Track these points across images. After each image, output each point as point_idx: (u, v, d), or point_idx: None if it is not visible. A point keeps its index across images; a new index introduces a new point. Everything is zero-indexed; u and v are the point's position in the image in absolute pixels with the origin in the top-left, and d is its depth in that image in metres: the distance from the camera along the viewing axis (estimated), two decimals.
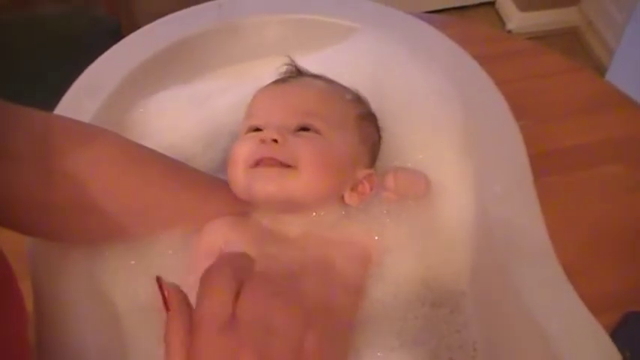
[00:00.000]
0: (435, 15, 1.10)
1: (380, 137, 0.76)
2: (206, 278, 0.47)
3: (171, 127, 0.80)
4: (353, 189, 0.70)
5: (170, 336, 0.46)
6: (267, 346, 0.45)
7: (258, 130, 0.69)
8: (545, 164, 0.73)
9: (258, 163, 0.66)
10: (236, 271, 0.48)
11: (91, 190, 0.62)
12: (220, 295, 0.46)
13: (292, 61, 0.77)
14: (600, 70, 2.15)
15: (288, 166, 0.65)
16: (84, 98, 0.78)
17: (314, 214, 0.70)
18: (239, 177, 0.67)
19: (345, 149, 0.69)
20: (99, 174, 0.63)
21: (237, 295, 0.46)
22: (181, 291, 0.48)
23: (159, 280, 0.48)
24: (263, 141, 0.66)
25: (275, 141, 0.65)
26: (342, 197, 0.70)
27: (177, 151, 0.75)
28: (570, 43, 2.40)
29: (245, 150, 0.67)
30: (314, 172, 0.66)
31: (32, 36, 1.50)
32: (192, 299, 0.48)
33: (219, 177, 0.72)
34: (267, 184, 0.65)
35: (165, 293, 0.48)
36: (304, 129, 0.68)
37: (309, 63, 0.78)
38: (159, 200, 0.67)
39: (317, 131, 0.68)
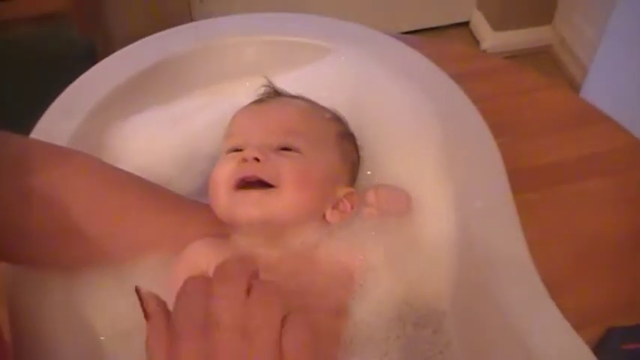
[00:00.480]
0: (410, 35, 1.11)
1: (359, 157, 0.76)
2: (180, 287, 0.48)
3: (148, 149, 0.79)
4: (334, 207, 0.70)
5: (151, 342, 0.46)
6: (244, 348, 0.45)
7: (238, 150, 0.68)
8: (525, 180, 0.73)
9: (240, 183, 0.65)
10: (207, 276, 0.48)
11: (68, 215, 0.61)
12: (193, 297, 0.46)
13: (269, 82, 0.77)
14: (574, 87, 2.18)
15: (270, 186, 0.64)
16: (61, 120, 0.77)
17: (296, 234, 0.69)
18: (221, 199, 0.66)
19: (326, 168, 0.69)
20: (77, 198, 0.62)
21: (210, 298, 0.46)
22: (159, 299, 0.48)
23: (137, 289, 0.48)
24: (245, 160, 0.65)
25: (257, 159, 0.65)
26: (324, 216, 0.69)
27: (154, 173, 0.74)
28: (544, 62, 2.43)
29: (226, 170, 0.66)
30: (296, 191, 0.65)
31: (5, 57, 1.49)
32: None
33: (197, 200, 0.72)
34: (249, 208, 0.65)
35: (144, 302, 0.48)
36: (285, 148, 0.67)
37: (286, 83, 0.78)
38: (138, 224, 0.66)
39: (298, 150, 0.67)
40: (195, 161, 0.79)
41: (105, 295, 0.67)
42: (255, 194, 0.64)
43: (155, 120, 0.82)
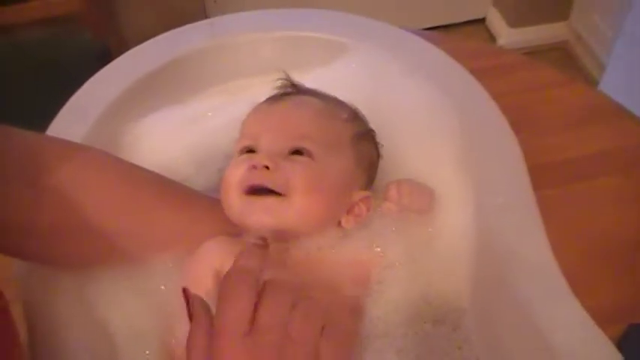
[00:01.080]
0: (427, 31, 1.10)
1: (378, 154, 0.75)
2: (225, 283, 0.50)
3: (165, 147, 0.79)
4: (349, 212, 0.69)
5: (192, 342, 0.49)
6: (286, 352, 0.48)
7: (251, 151, 0.67)
8: (542, 177, 0.72)
9: (249, 190, 0.64)
10: (254, 277, 0.50)
11: (81, 212, 0.61)
12: (240, 301, 0.49)
13: (287, 76, 0.76)
14: (591, 83, 2.16)
15: (280, 194, 0.63)
16: (74, 121, 0.77)
17: (311, 239, 0.68)
18: (233, 203, 0.65)
19: (339, 173, 0.67)
20: (90, 195, 0.62)
21: (256, 302, 0.49)
22: (204, 301, 0.51)
23: (185, 290, 0.52)
24: (255, 167, 0.64)
25: (267, 167, 0.64)
26: (339, 222, 0.68)
27: (170, 172, 0.73)
28: (560, 58, 2.41)
29: (237, 175, 0.65)
30: (307, 201, 0.64)
31: (18, 62, 1.49)
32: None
33: (213, 196, 0.70)
34: (260, 215, 0.64)
35: (190, 303, 0.51)
36: (298, 152, 0.66)
37: (303, 79, 0.78)
38: (151, 221, 0.66)
39: (310, 155, 0.66)
40: (212, 159, 0.79)
41: (118, 294, 0.67)
42: (266, 201, 0.64)
43: (170, 118, 0.82)
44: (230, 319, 0.48)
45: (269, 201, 0.63)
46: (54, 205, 0.60)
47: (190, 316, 0.51)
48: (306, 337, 0.49)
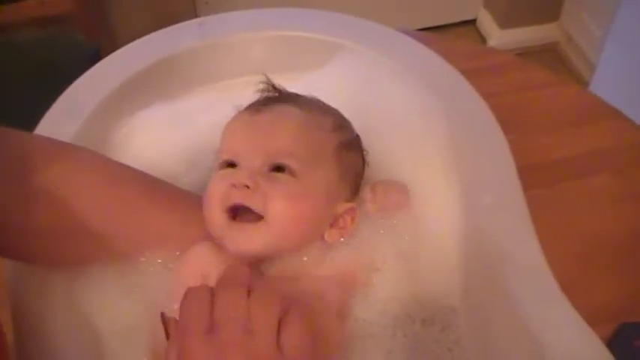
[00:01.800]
0: (418, 32, 1.10)
1: (364, 162, 0.73)
2: (183, 297, 0.51)
3: (154, 146, 0.79)
4: (332, 225, 0.67)
5: (169, 352, 0.50)
6: (248, 346, 0.48)
7: (231, 164, 0.66)
8: (533, 177, 0.72)
9: (232, 210, 0.63)
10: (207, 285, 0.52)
11: (71, 212, 0.61)
12: (195, 302, 0.50)
13: (269, 79, 0.74)
14: (581, 84, 2.16)
15: (260, 216, 0.62)
16: (63, 119, 0.77)
17: (295, 255, 0.67)
18: (214, 221, 0.64)
19: (322, 188, 0.66)
20: (79, 195, 0.61)
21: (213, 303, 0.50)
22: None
23: (162, 315, 0.53)
24: (234, 185, 0.63)
25: (247, 186, 0.63)
26: (322, 236, 0.67)
27: (160, 170, 0.73)
28: (551, 59, 2.42)
29: (218, 193, 0.64)
30: (286, 223, 0.63)
31: (8, 61, 1.48)
32: None
33: (202, 196, 0.69)
34: (239, 243, 0.63)
35: (167, 325, 0.52)
36: (279, 168, 0.64)
37: (294, 80, 0.77)
38: (141, 221, 0.65)
39: (292, 172, 0.64)
40: (201, 157, 0.78)
41: (106, 293, 0.66)
42: (245, 228, 0.63)
43: (160, 117, 0.82)
44: (190, 317, 0.49)
45: (248, 227, 0.63)
46: (44, 206, 0.60)
47: (167, 336, 0.52)
48: (265, 325, 0.49)
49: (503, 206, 0.66)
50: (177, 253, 0.67)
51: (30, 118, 0.77)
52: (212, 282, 0.54)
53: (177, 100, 0.85)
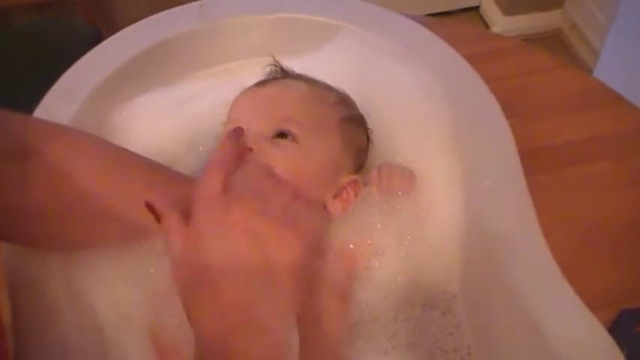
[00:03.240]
0: (420, 16, 1.09)
1: (368, 140, 0.74)
2: (206, 166, 0.56)
3: (153, 130, 0.78)
4: (336, 196, 0.67)
5: (168, 227, 0.54)
6: (257, 206, 0.53)
7: None
8: (534, 162, 0.72)
9: None
10: (230, 161, 0.56)
11: (69, 194, 0.60)
12: (215, 173, 0.54)
13: (276, 61, 0.75)
14: (585, 71, 2.15)
15: None
16: (61, 103, 0.76)
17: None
18: None
19: (324, 156, 0.67)
20: (77, 177, 0.61)
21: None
22: (166, 198, 0.56)
23: (147, 202, 0.56)
24: None
25: (250, 149, 0.63)
26: (325, 206, 0.67)
27: (159, 154, 0.73)
28: (555, 46, 2.40)
29: None
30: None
31: (8, 46, 1.48)
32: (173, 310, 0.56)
33: None
34: None
35: (155, 207, 0.55)
36: (282, 135, 0.65)
37: (294, 63, 0.77)
38: (139, 205, 0.65)
39: (294, 138, 0.65)
40: (201, 141, 0.78)
41: (105, 277, 0.66)
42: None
43: (159, 100, 0.81)
44: (206, 184, 0.54)
45: None
46: (42, 187, 0.59)
47: (158, 218, 0.55)
48: (277, 199, 0.54)
49: (504, 189, 0.66)
50: None
51: (30, 102, 0.76)
52: None
53: (176, 83, 0.85)
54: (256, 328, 0.51)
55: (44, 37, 1.53)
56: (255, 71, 0.75)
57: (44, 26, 1.64)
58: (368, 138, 0.74)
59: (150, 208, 0.55)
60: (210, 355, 0.51)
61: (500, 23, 2.45)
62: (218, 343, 0.51)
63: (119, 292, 0.66)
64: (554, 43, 2.42)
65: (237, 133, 0.60)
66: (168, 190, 0.66)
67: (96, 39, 1.41)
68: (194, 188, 0.54)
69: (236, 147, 0.59)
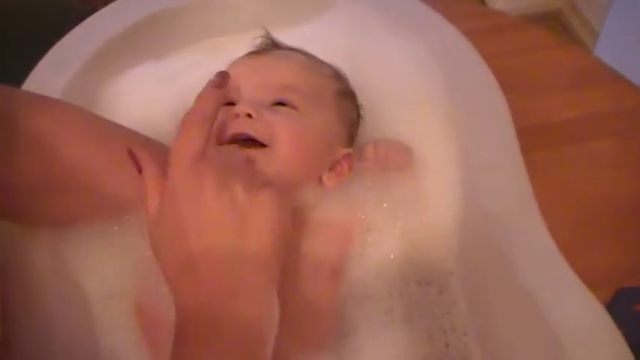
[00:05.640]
0: None
1: (359, 116, 0.73)
2: (185, 120, 0.54)
3: (144, 104, 0.77)
4: (331, 169, 0.66)
5: (146, 185, 0.54)
6: (228, 177, 0.52)
7: (230, 104, 0.64)
8: (532, 139, 0.70)
9: (231, 140, 0.62)
10: (209, 118, 0.54)
11: (57, 168, 0.59)
12: (191, 134, 0.52)
13: (268, 33, 0.74)
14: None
15: (263, 145, 0.61)
16: (51, 75, 0.75)
17: (291, 195, 0.65)
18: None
19: (323, 126, 0.66)
20: (66, 151, 0.59)
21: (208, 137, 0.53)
22: (148, 152, 0.56)
23: (129, 150, 0.56)
24: (237, 115, 0.62)
25: (249, 116, 0.62)
26: (320, 179, 0.66)
27: (149, 128, 0.71)
28: (554, 27, 2.39)
29: (217, 125, 0.62)
30: (290, 151, 0.62)
31: (3, 24, 1.46)
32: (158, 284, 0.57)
33: None
34: None
35: (136, 158, 0.56)
36: (280, 104, 0.64)
37: (286, 37, 0.75)
38: (127, 178, 0.63)
39: (294, 106, 0.64)
40: None
41: (93, 253, 0.65)
42: (250, 152, 0.61)
43: (149, 75, 0.80)
44: (181, 147, 0.52)
45: (252, 152, 0.61)
46: (29, 161, 0.58)
47: (139, 169, 0.55)
48: (247, 172, 0.54)
49: (502, 165, 0.65)
50: None
51: (21, 81, 0.75)
52: None
53: (166, 57, 0.84)
54: (236, 294, 0.50)
55: (37, 15, 1.51)
56: (246, 45, 0.74)
57: (37, 3, 1.62)
58: (359, 113, 0.73)
59: (132, 156, 0.55)
60: (188, 323, 0.50)
61: (500, 3, 2.42)
62: (197, 310, 0.50)
63: (106, 267, 0.65)
64: (554, 23, 2.41)
65: (223, 80, 0.57)
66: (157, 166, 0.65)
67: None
68: (172, 143, 0.53)
69: (220, 96, 0.56)
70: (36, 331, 0.58)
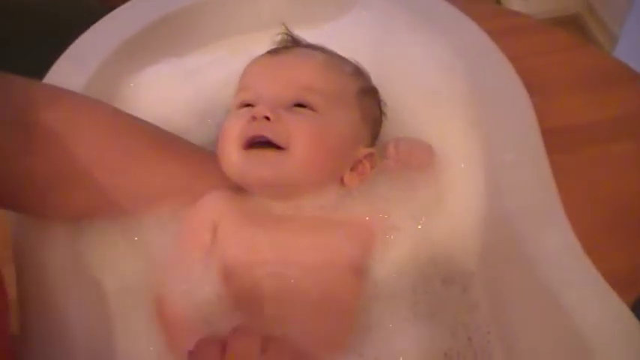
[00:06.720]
0: None
1: (382, 113, 0.72)
2: (195, 346, 0.51)
3: (164, 101, 0.77)
4: (353, 169, 0.66)
5: None
6: None
7: (249, 105, 0.64)
8: (555, 142, 0.69)
9: (250, 143, 0.61)
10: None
11: (75, 161, 0.59)
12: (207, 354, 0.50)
13: (288, 30, 0.73)
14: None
15: (281, 148, 0.61)
16: (71, 71, 0.75)
17: (312, 195, 0.65)
18: (231, 158, 0.62)
19: (344, 127, 0.65)
20: (84, 144, 0.59)
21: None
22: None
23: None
24: (254, 118, 0.61)
25: (267, 118, 0.61)
26: (342, 179, 0.66)
27: (169, 125, 0.70)
28: (572, 31, 2.37)
29: (236, 128, 0.62)
30: (309, 155, 0.61)
31: (21, 25, 1.46)
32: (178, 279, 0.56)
33: (212, 151, 0.67)
34: (260, 169, 0.61)
35: None
36: (300, 105, 0.63)
37: (307, 34, 0.75)
38: (148, 174, 0.63)
39: (313, 108, 0.63)
40: (212, 113, 0.77)
41: (111, 248, 0.65)
42: (266, 154, 0.61)
43: (170, 71, 0.80)
44: None
45: (269, 154, 0.60)
46: (47, 153, 0.58)
47: None
48: None
49: (524, 164, 0.64)
50: (186, 206, 0.65)
51: (41, 78, 0.75)
52: (221, 231, 0.58)
53: (187, 54, 0.84)
54: None
55: (55, 16, 1.51)
56: (267, 43, 0.73)
57: (55, 5, 1.62)
58: (382, 111, 0.72)
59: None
60: None
61: (518, 7, 2.41)
62: None
63: (124, 262, 0.65)
64: (572, 27, 2.39)
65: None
66: (177, 161, 0.65)
67: None
68: None
69: None
70: (52, 325, 0.58)
